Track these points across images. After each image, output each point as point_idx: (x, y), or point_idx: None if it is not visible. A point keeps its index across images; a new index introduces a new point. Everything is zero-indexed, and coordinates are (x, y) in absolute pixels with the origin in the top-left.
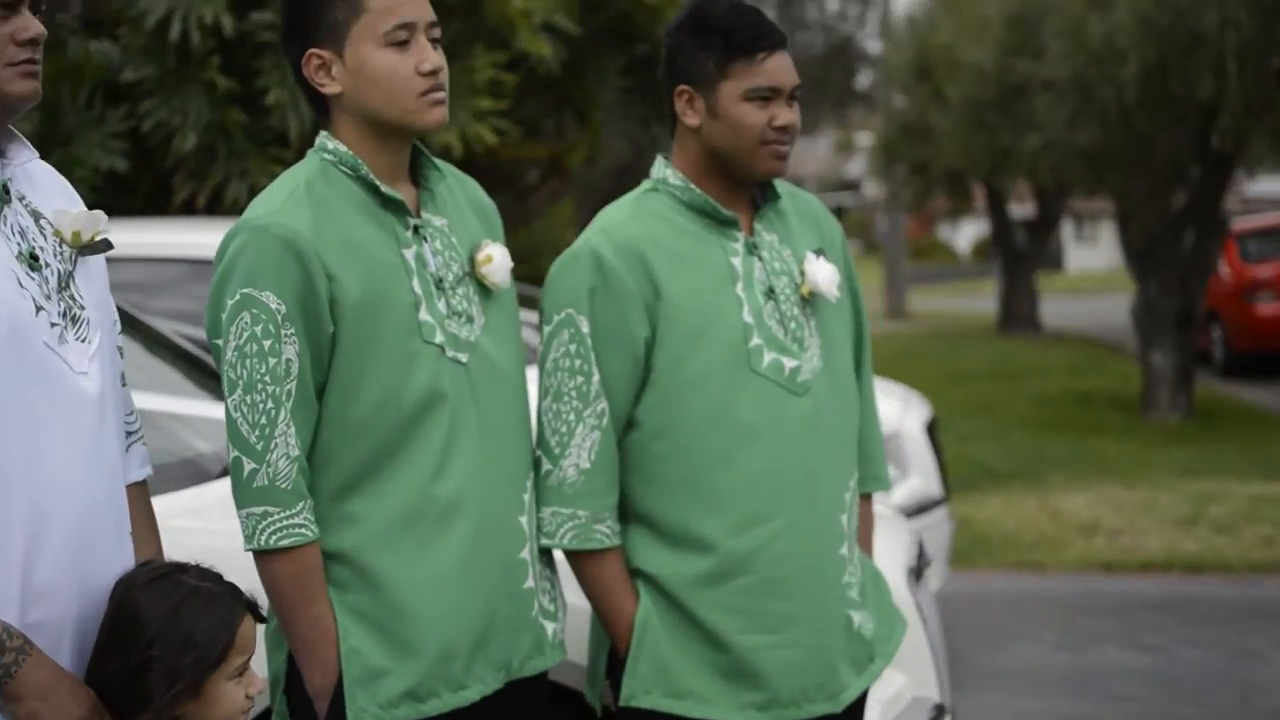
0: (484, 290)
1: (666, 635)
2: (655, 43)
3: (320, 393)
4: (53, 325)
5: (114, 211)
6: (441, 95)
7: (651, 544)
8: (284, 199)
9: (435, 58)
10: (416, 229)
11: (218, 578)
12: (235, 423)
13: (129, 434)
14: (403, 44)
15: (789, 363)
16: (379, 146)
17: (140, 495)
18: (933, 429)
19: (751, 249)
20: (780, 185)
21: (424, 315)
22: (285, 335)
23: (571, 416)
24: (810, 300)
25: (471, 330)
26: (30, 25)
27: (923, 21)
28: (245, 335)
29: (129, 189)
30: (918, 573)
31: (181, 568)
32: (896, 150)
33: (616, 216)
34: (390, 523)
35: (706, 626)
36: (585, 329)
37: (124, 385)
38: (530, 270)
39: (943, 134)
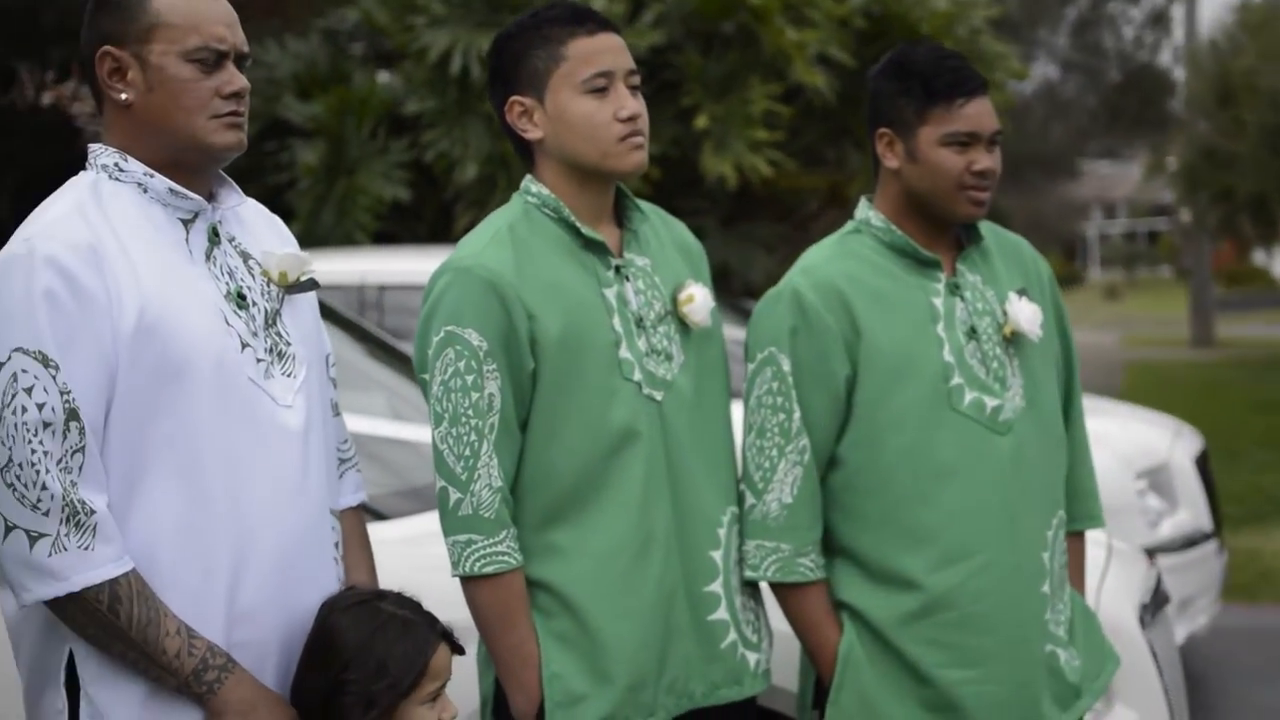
0: (685, 329)
1: (870, 667)
2: None
3: (523, 427)
4: (258, 361)
5: (398, 239)
6: (640, 140)
7: (854, 578)
8: (487, 241)
9: (634, 104)
10: (618, 269)
11: (416, 606)
12: (441, 454)
13: (342, 461)
14: (601, 91)
15: (990, 401)
16: (580, 189)
17: (353, 521)
18: (1204, 461)
19: (954, 289)
20: (984, 226)
21: (624, 353)
22: (487, 371)
23: (774, 453)
24: (1013, 340)
25: (670, 368)
26: (235, 79)
27: (1225, 46)
28: (450, 371)
29: (413, 217)
30: (1154, 609)
31: (381, 595)
32: (1199, 176)
33: (818, 257)
34: (592, 554)
35: (909, 660)
36: (786, 367)
37: (337, 415)
38: None
39: (1243, 159)
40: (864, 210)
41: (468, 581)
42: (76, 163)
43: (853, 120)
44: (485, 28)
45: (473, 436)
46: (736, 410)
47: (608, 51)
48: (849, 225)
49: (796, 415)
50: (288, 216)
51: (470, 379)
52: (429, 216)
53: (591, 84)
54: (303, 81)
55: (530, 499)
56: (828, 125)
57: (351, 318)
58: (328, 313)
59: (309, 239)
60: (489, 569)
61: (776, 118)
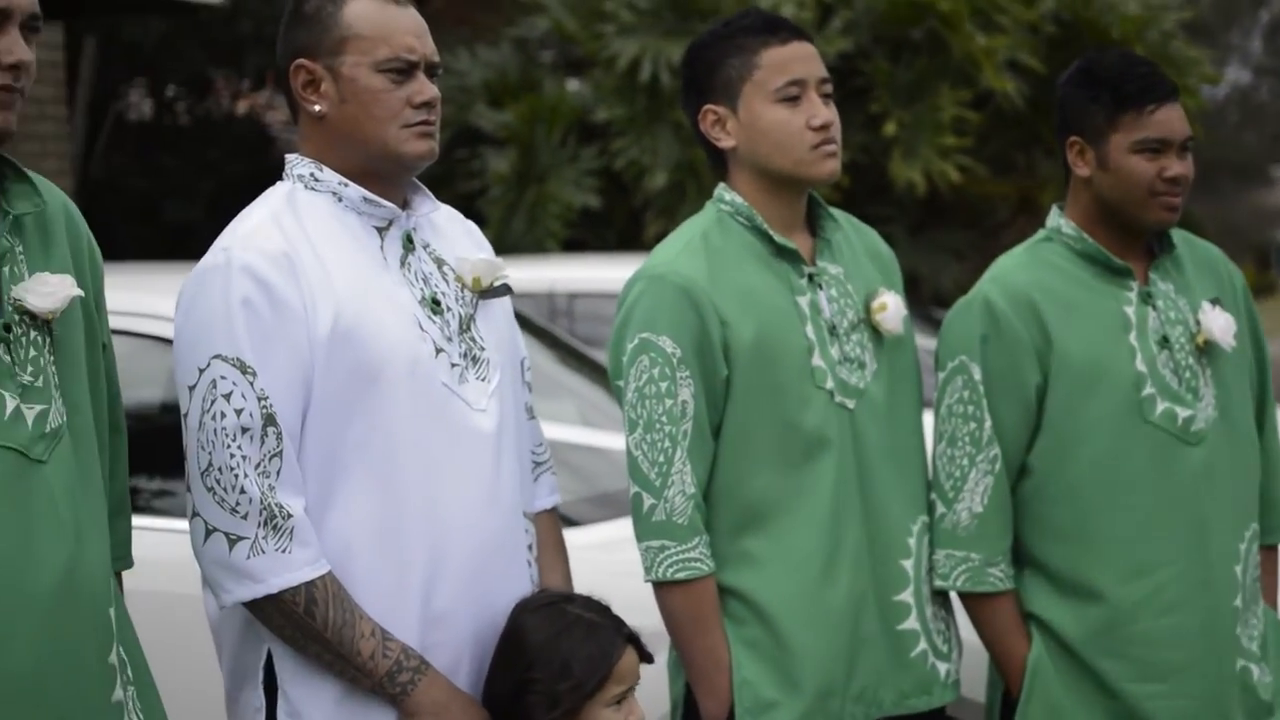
0: (878, 337)
1: (1058, 679)
2: None
3: (716, 433)
4: (453, 366)
5: (588, 247)
6: (833, 148)
7: (1043, 589)
8: (680, 248)
9: (826, 113)
10: (811, 277)
11: (604, 610)
12: (636, 460)
13: (537, 464)
14: (794, 100)
15: (1182, 412)
16: (773, 198)
17: (548, 523)
18: None
19: (1146, 298)
20: (1177, 234)
21: (816, 361)
22: (681, 378)
23: (965, 461)
24: (1206, 350)
25: (862, 377)
26: (425, 89)
27: None
28: (644, 378)
29: (603, 225)
30: None
31: (571, 598)
32: None
33: (1009, 265)
34: (783, 562)
35: (1097, 673)
36: (977, 376)
37: (532, 418)
38: None
39: None
40: (1055, 219)
41: (660, 587)
42: (271, 170)
43: (1043, 127)
44: (674, 35)
45: (666, 443)
46: (928, 419)
47: (800, 60)
48: (1040, 234)
49: (987, 424)
50: (478, 224)
51: (664, 385)
52: (618, 224)
53: (784, 92)
54: (494, 89)
55: (723, 506)
56: (1018, 132)
57: (542, 325)
58: (518, 319)
59: (499, 246)
60: (681, 575)
61: (965, 124)
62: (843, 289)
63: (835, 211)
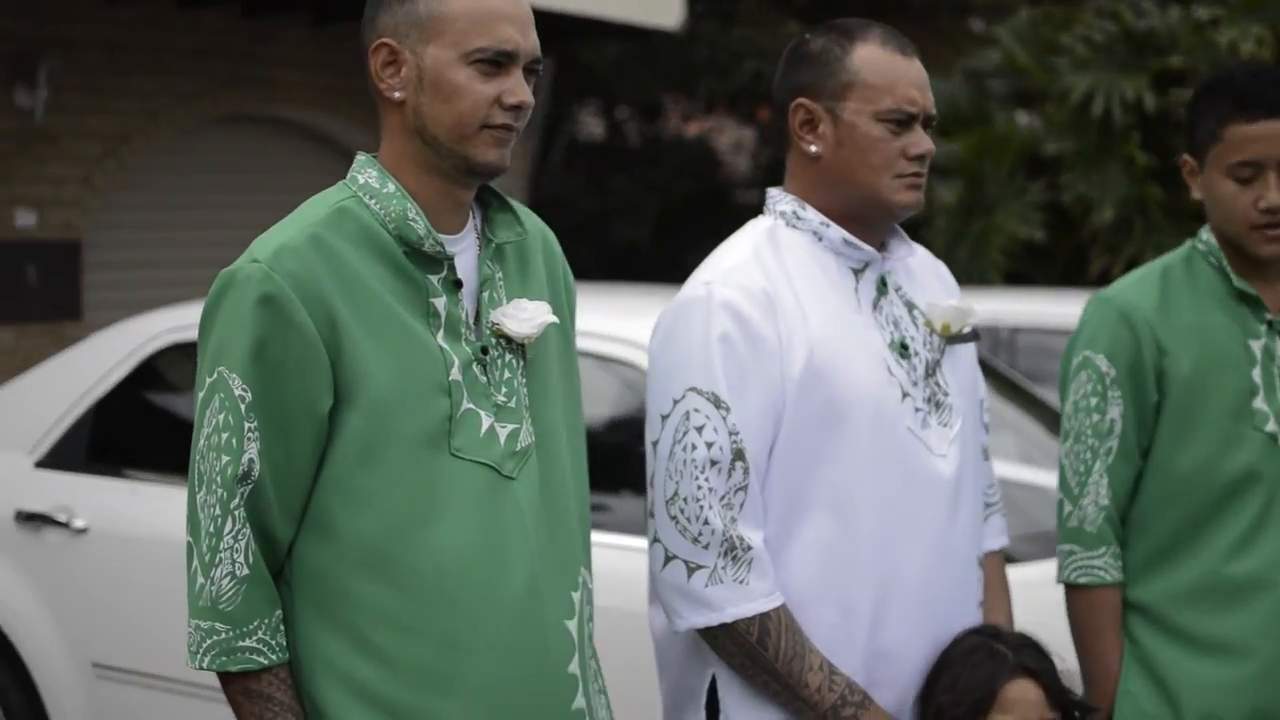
0: None
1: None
2: None
3: (1145, 455)
4: (916, 410)
5: (1031, 280)
6: (1276, 233)
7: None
8: (1140, 277)
9: (1273, 197)
10: (1271, 324)
11: (1023, 646)
12: (1062, 468)
13: (987, 505)
14: (1246, 180)
15: None
16: (1234, 249)
17: (994, 564)
18: None
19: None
20: None
21: (1259, 404)
22: (1113, 396)
23: (1089, 455)
24: None
25: None
26: (922, 142)
27: None
28: (1081, 392)
29: (1047, 258)
30: None
31: (999, 633)
32: None
33: None
34: (1184, 587)
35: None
36: None
37: (986, 459)
38: None
39: None
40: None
41: (1067, 589)
42: (716, 193)
43: None
44: (1128, 70)
45: (1088, 455)
46: None
47: (1263, 140)
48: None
49: None
50: None
51: (1094, 401)
52: (1063, 258)
53: (1237, 172)
54: (944, 120)
55: (1144, 524)
56: None
57: (985, 358)
58: None
59: None
60: (1082, 580)
61: None
62: None
63: None
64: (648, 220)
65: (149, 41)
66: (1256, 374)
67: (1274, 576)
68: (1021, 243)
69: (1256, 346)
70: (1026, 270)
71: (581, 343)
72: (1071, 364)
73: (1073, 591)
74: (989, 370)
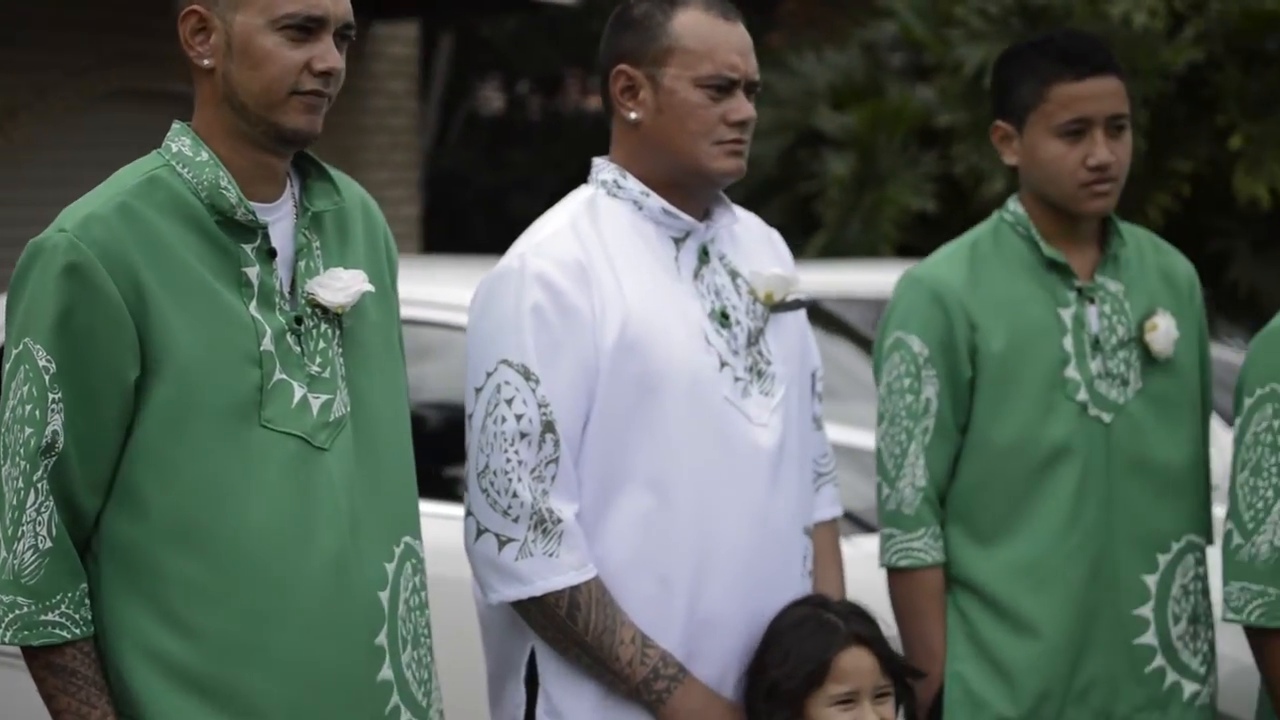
0: (1150, 356)
1: None
2: None
3: (963, 432)
4: (736, 380)
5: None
6: (1104, 188)
7: None
8: (948, 254)
9: (1104, 153)
10: (1081, 291)
11: (852, 614)
12: (879, 451)
13: (819, 475)
14: (1076, 135)
15: None
16: (1054, 215)
17: (826, 534)
18: None
19: None
20: None
21: (1070, 372)
22: (926, 376)
23: (1270, 493)
24: None
25: (1124, 393)
26: (742, 108)
27: None
28: (894, 374)
29: (938, 230)
30: None
31: (827, 603)
32: None
33: None
34: (1014, 563)
35: None
36: None
37: (819, 429)
38: None
39: None
40: None
41: (889, 573)
42: None
43: None
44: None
45: (903, 437)
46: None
47: (1092, 98)
48: None
49: None
50: (814, 226)
51: (908, 382)
52: (954, 229)
53: (1066, 130)
54: (838, 92)
55: (962, 502)
56: None
57: (865, 333)
58: (840, 326)
59: (834, 249)
60: (903, 562)
61: None
62: (1118, 305)
63: (1135, 229)
64: (546, 194)
65: (39, 14)
66: (1068, 342)
67: (1081, 562)
68: (913, 214)
69: (1066, 315)
70: (918, 242)
71: (446, 315)
72: (885, 345)
73: (894, 574)
74: (871, 344)
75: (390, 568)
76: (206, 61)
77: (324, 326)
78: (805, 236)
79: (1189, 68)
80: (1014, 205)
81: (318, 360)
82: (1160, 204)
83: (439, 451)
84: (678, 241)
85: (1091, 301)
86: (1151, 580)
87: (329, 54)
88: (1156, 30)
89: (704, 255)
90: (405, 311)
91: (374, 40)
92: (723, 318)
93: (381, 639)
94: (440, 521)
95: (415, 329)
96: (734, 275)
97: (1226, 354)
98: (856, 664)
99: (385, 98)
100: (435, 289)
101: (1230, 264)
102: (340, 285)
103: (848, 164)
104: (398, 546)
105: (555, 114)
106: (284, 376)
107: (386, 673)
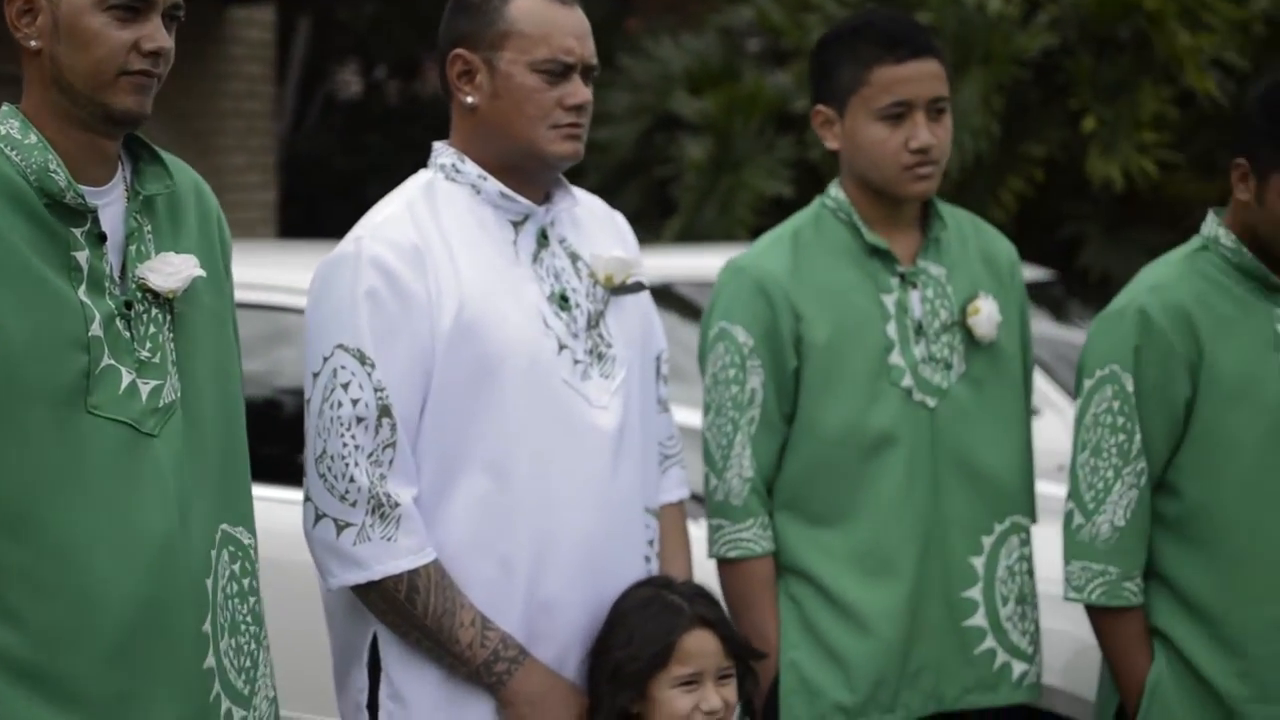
0: (973, 340)
1: (1178, 699)
2: None
3: (789, 422)
4: (576, 363)
5: None
6: (926, 170)
7: (1170, 606)
8: (770, 243)
9: (925, 136)
10: (904, 276)
11: (696, 596)
12: (706, 442)
13: (666, 458)
14: (897, 119)
15: None
16: (875, 199)
17: (672, 516)
18: None
19: None
20: None
21: (894, 359)
22: (751, 366)
23: (1110, 473)
24: None
25: (947, 377)
26: (578, 92)
27: None
28: (719, 364)
29: (793, 214)
30: None
31: (671, 584)
32: None
33: (1166, 275)
34: (847, 550)
35: (1219, 692)
36: (1130, 387)
37: (665, 411)
38: None
39: None
40: (1213, 227)
41: (720, 564)
42: None
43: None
44: None
45: (729, 428)
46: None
47: (913, 81)
48: (1196, 241)
49: (1137, 437)
50: (671, 210)
51: (734, 373)
52: None
53: (888, 113)
54: (695, 77)
55: (792, 491)
56: (1222, 132)
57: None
58: (695, 311)
59: (691, 233)
60: (733, 554)
61: (1165, 120)
62: (940, 290)
63: (956, 211)
64: (404, 179)
65: None
66: (891, 329)
67: (911, 547)
68: (769, 199)
69: (889, 301)
70: (773, 226)
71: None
72: (709, 335)
73: (724, 566)
74: None
75: (214, 555)
76: (34, 43)
77: (155, 312)
78: (662, 220)
79: (1043, 53)
80: (835, 191)
81: (148, 345)
82: (1014, 189)
83: (296, 437)
84: (516, 225)
85: (914, 286)
86: (979, 562)
87: (157, 33)
88: (1011, 17)
89: (543, 238)
90: (261, 297)
91: (230, 24)
92: (562, 300)
93: (207, 626)
94: (298, 508)
95: (271, 314)
96: (574, 258)
97: (1079, 336)
98: (700, 646)
99: (242, 81)
100: (292, 274)
101: (1083, 247)
102: (171, 270)
103: (704, 148)
104: (219, 534)
105: (413, 98)
106: (112, 362)
107: (210, 661)
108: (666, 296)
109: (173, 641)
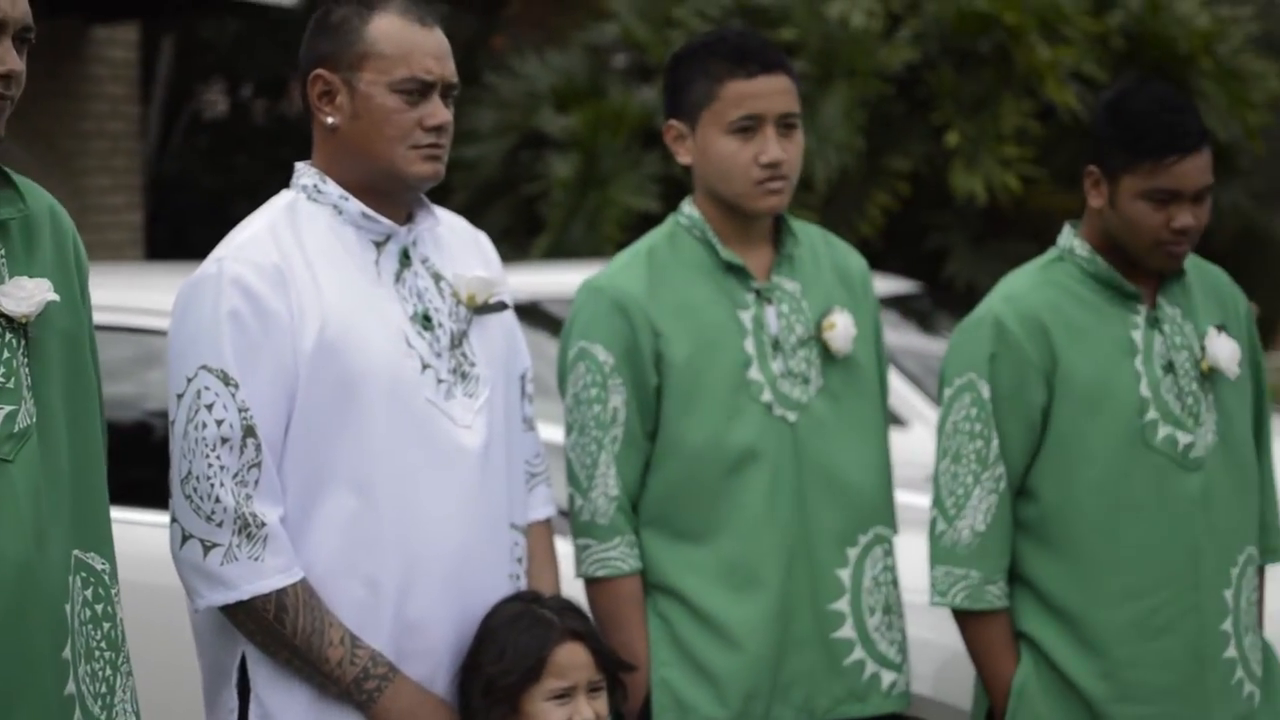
0: (829, 354)
1: (1044, 701)
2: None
3: (653, 439)
4: (439, 382)
5: None
6: (778, 185)
7: (1034, 608)
8: (626, 262)
9: (775, 150)
10: (759, 292)
11: (565, 610)
12: (570, 462)
13: (532, 475)
14: (747, 132)
15: (1184, 438)
16: (728, 215)
17: (540, 534)
18: None
19: (1153, 322)
20: (1187, 259)
21: (753, 374)
22: (613, 385)
23: (969, 479)
24: (1210, 376)
25: (806, 391)
26: (438, 113)
27: None
28: (580, 384)
29: None
30: None
31: (540, 599)
32: None
33: (1020, 285)
34: (712, 566)
35: (1083, 693)
36: (986, 394)
37: (530, 430)
38: None
39: None
40: (1068, 238)
41: (587, 583)
42: None
43: None
44: None
45: (593, 447)
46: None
47: (762, 96)
48: (1052, 252)
49: (995, 443)
50: (539, 227)
51: (595, 392)
52: None
53: (737, 127)
54: (560, 94)
55: (657, 509)
56: (1084, 145)
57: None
58: (554, 324)
59: (558, 250)
60: (600, 573)
61: (1028, 134)
62: (795, 305)
63: (808, 227)
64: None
65: None
66: (749, 345)
67: (778, 561)
68: (636, 215)
69: (746, 317)
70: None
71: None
72: (568, 355)
73: (592, 585)
74: None
75: (71, 580)
76: None
77: (8, 337)
78: (529, 238)
79: (906, 68)
80: (689, 208)
81: (1, 371)
82: (880, 203)
83: (165, 459)
84: (379, 245)
85: (770, 302)
86: (845, 574)
87: (8, 56)
88: (874, 31)
89: (405, 258)
90: (128, 319)
91: (93, 43)
92: (425, 320)
93: (67, 653)
94: (167, 531)
95: (138, 336)
96: (437, 278)
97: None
98: (572, 659)
99: (105, 102)
100: (158, 296)
101: (948, 259)
102: (24, 295)
103: (571, 165)
104: (74, 559)
105: (280, 117)
106: None
107: (71, 687)
108: (535, 314)
109: (33, 668)
